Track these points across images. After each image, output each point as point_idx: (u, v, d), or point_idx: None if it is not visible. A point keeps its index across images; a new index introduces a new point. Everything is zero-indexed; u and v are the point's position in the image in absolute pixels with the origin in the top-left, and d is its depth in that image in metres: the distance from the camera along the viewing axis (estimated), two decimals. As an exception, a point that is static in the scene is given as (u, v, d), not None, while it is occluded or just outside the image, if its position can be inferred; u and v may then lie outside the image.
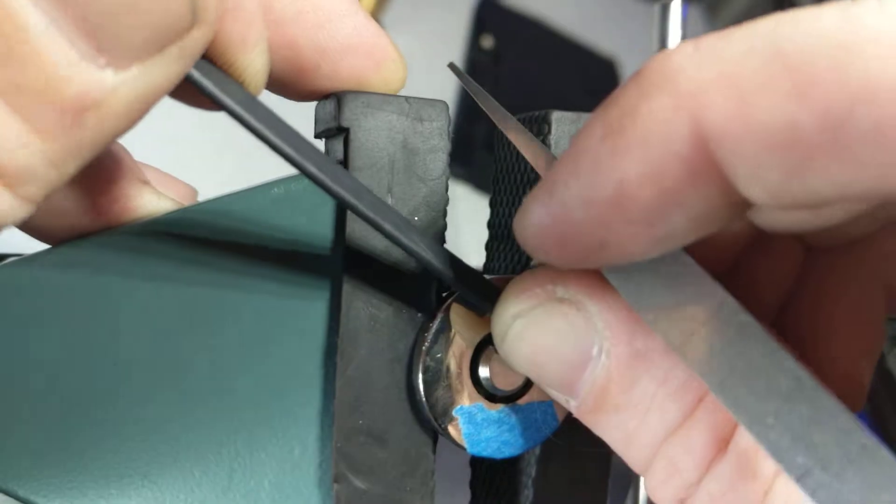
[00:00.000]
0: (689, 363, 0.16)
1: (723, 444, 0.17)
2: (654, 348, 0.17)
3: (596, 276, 0.17)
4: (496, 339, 0.19)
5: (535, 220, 0.16)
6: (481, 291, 0.19)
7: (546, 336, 0.18)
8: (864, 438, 0.14)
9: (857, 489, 0.14)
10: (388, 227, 0.18)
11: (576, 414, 0.18)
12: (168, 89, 0.15)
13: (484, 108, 0.20)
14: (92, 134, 0.14)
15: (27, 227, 0.19)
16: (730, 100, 0.13)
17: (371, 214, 0.18)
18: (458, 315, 0.20)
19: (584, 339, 0.17)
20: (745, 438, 0.17)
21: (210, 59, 0.16)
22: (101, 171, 0.19)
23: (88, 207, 0.19)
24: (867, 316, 0.21)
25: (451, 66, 0.22)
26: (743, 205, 0.14)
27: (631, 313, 0.17)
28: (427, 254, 0.18)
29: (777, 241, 0.22)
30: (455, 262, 0.19)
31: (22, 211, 0.14)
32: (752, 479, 0.16)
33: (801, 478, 0.14)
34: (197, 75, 0.15)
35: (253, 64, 0.17)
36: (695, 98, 0.13)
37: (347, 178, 0.18)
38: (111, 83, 0.13)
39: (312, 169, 0.17)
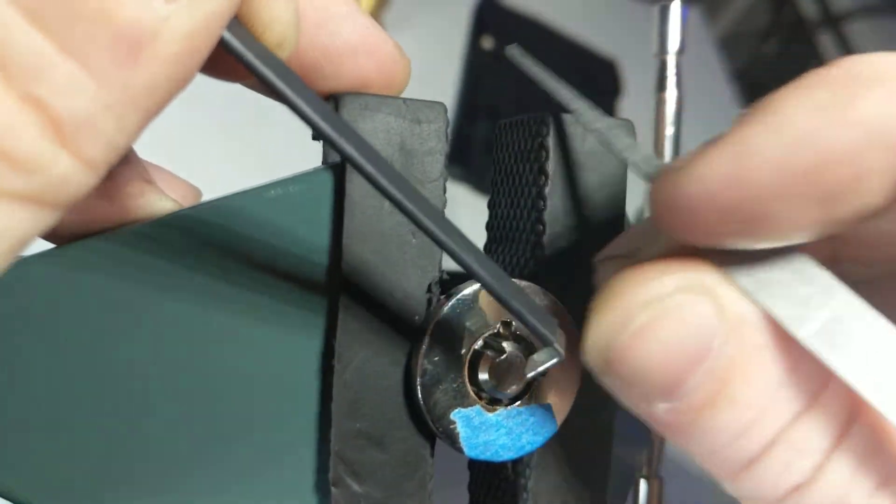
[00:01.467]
0: (822, 358, 0.15)
1: (852, 418, 0.16)
2: (780, 336, 0.16)
3: (716, 265, 0.17)
4: (598, 349, 0.17)
5: (708, 177, 0.15)
6: (541, 318, 0.18)
7: (672, 330, 0.16)
8: None
9: None
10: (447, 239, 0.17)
11: (667, 418, 0.17)
12: (218, 30, 0.14)
13: (556, 97, 0.20)
14: (148, 77, 0.13)
15: None
16: None
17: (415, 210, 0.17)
18: (484, 296, 0.20)
19: (709, 330, 0.16)
20: (871, 412, 0.16)
21: (238, 18, 0.16)
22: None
23: (97, 200, 0.19)
24: None
25: (511, 48, 0.22)
26: (876, 213, 0.15)
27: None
28: (463, 250, 0.17)
29: None
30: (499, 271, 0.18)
31: (86, 178, 0.13)
32: (885, 449, 0.16)
33: None
34: (229, 37, 0.15)
35: (280, 18, 0.17)
36: None
37: (376, 153, 0.17)
38: (163, 11, 0.13)
39: (339, 140, 0.16)
